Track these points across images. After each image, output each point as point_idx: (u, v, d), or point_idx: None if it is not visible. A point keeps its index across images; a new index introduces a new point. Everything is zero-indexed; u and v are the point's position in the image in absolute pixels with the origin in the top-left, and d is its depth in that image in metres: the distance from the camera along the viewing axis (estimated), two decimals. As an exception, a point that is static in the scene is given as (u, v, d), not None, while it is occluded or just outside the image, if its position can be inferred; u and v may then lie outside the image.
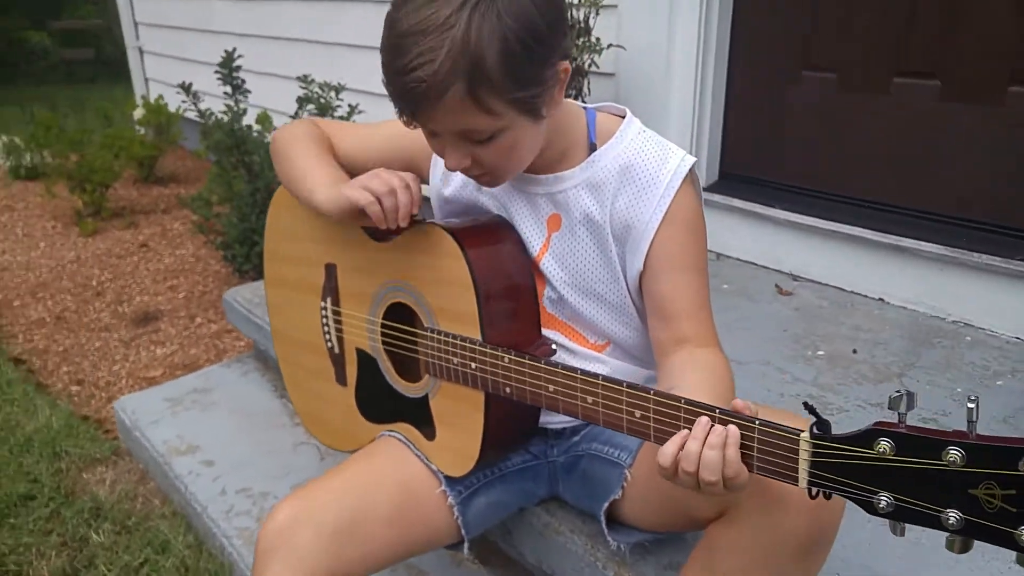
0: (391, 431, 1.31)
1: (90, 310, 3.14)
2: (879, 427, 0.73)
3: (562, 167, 1.14)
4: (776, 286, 2.29)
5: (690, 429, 0.86)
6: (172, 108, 4.58)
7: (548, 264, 1.18)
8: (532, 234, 1.18)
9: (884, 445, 0.72)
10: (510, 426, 1.21)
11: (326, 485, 1.19)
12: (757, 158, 2.51)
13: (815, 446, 0.78)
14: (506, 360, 1.08)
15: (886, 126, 2.18)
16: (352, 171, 1.27)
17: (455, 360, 1.14)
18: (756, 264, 2.45)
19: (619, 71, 2.56)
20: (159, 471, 2.00)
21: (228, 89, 2.93)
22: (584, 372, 1.00)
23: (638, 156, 1.11)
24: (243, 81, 2.95)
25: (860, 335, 2.01)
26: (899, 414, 0.73)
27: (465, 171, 1.09)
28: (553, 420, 1.25)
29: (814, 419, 0.77)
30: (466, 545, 1.25)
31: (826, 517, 0.92)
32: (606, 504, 1.18)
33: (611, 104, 1.19)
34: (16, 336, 2.93)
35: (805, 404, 0.77)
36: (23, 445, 2.19)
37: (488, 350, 1.09)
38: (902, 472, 0.71)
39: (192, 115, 3.09)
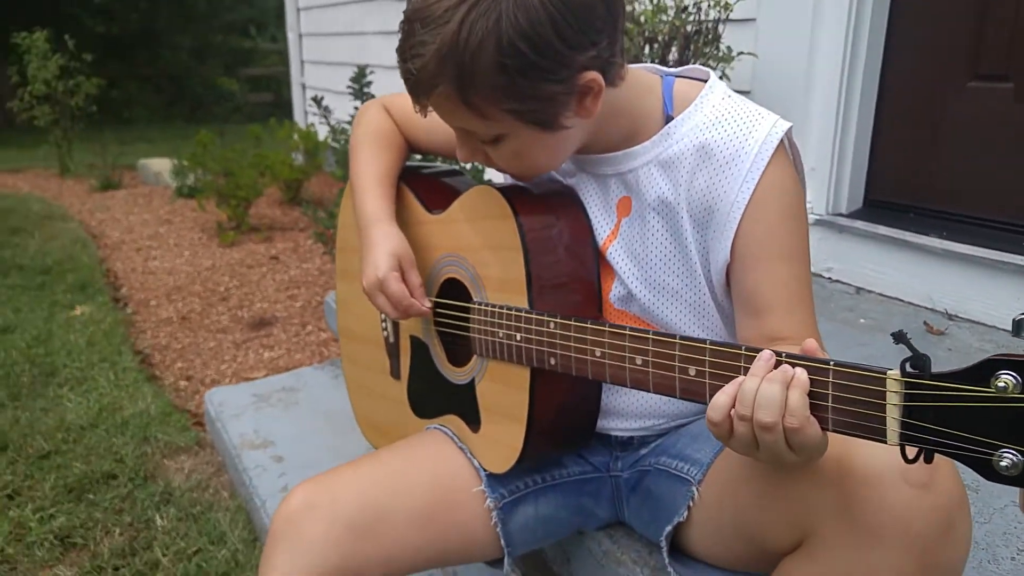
0: (438, 425, 1.19)
1: (213, 313, 3.27)
2: (998, 358, 0.51)
3: (633, 143, 1.00)
4: (925, 323, 1.96)
5: None
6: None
7: (616, 254, 1.03)
8: (600, 220, 1.05)
9: (1007, 380, 0.50)
10: (559, 412, 1.05)
11: (350, 473, 1.07)
12: (910, 181, 2.21)
13: (909, 386, 0.56)
14: (551, 326, 0.94)
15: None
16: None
17: (501, 333, 1.02)
18: (902, 300, 2.12)
19: (754, 88, 2.37)
20: (231, 463, 2.00)
21: (358, 104, 3.01)
22: (633, 329, 0.85)
23: (719, 125, 0.94)
24: (373, 97, 3.02)
25: (1030, 385, 1.65)
26: (1030, 340, 0.50)
27: (487, 165, 0.99)
28: (617, 426, 1.08)
29: (910, 354, 0.56)
30: (506, 562, 1.08)
31: (943, 552, 0.68)
32: (669, 527, 0.99)
33: (694, 68, 1.04)
34: (145, 332, 3.10)
35: (894, 334, 0.55)
36: (119, 427, 2.27)
37: (533, 316, 0.97)
38: (1032, 415, 0.49)
39: (318, 124, 3.20)
